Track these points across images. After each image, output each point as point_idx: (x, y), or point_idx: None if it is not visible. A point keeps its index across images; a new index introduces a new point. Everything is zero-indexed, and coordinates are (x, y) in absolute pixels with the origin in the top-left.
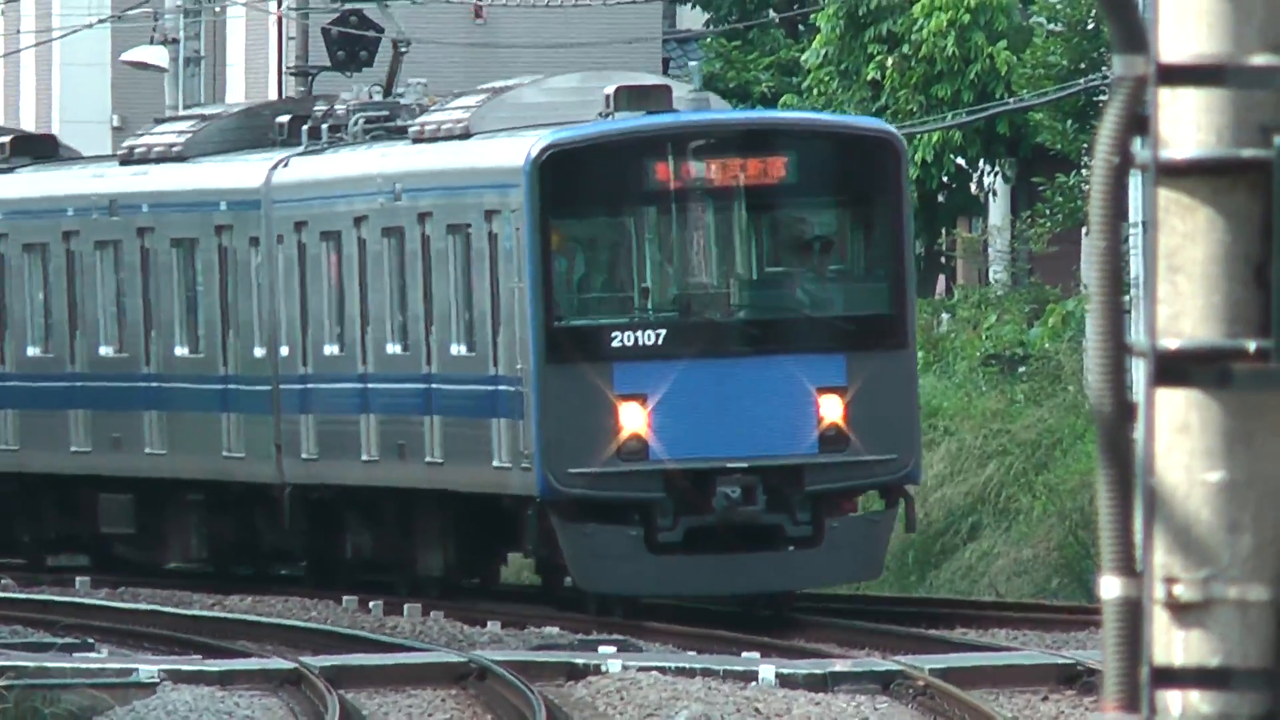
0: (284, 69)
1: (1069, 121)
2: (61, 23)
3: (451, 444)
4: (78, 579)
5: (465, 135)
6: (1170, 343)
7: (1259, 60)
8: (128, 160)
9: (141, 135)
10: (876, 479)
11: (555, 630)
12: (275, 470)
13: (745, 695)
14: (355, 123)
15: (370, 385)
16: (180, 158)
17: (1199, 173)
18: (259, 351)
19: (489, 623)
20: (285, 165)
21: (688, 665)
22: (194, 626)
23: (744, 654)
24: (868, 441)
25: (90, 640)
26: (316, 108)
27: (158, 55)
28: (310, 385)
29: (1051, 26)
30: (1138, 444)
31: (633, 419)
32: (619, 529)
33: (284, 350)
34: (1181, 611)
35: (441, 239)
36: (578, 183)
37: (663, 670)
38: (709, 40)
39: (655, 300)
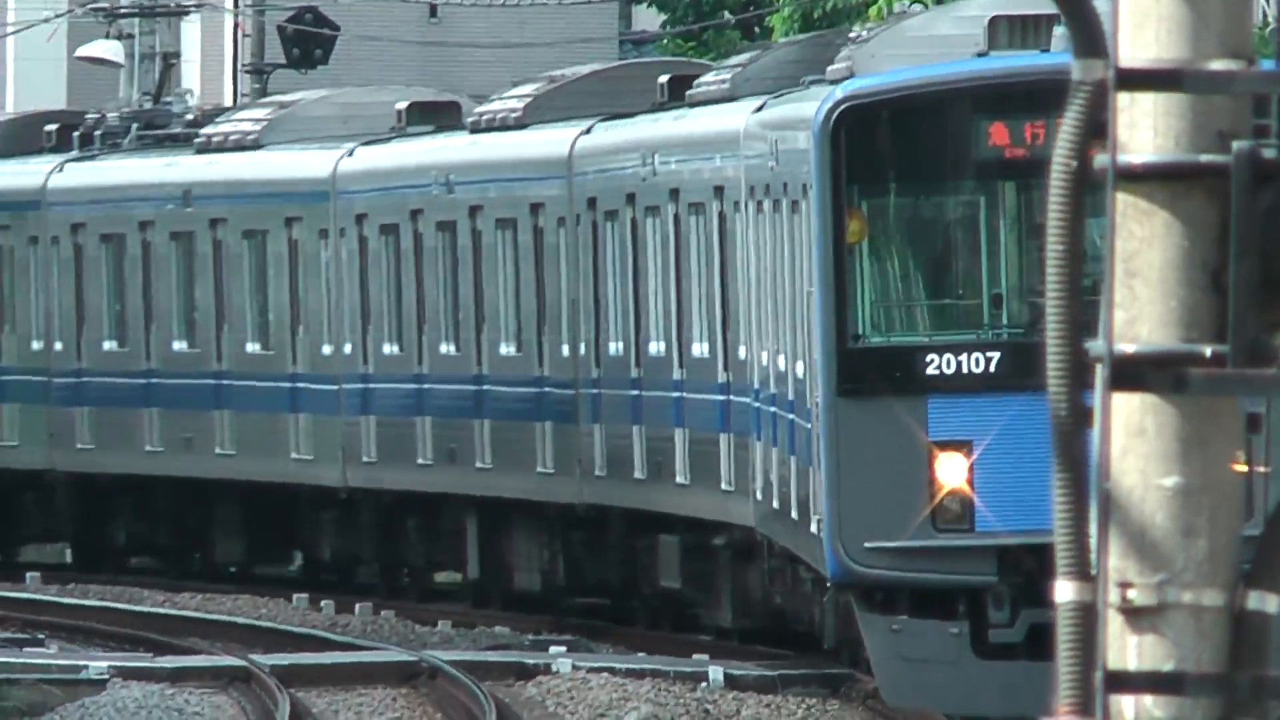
0: (239, 66)
1: None
2: (16, 17)
3: (780, 489)
4: (28, 575)
5: (847, 76)
6: (1126, 347)
7: (1217, 65)
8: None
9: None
10: None
11: (506, 630)
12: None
13: (695, 696)
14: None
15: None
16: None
17: (1157, 177)
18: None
19: (440, 622)
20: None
21: (638, 666)
22: (144, 623)
23: (694, 655)
24: None
25: (40, 636)
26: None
27: (113, 51)
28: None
29: None
30: (1093, 448)
31: (953, 474)
32: (937, 624)
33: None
34: (1135, 616)
35: (770, 217)
36: (886, 150)
37: (613, 671)
38: (665, 41)
39: (989, 312)
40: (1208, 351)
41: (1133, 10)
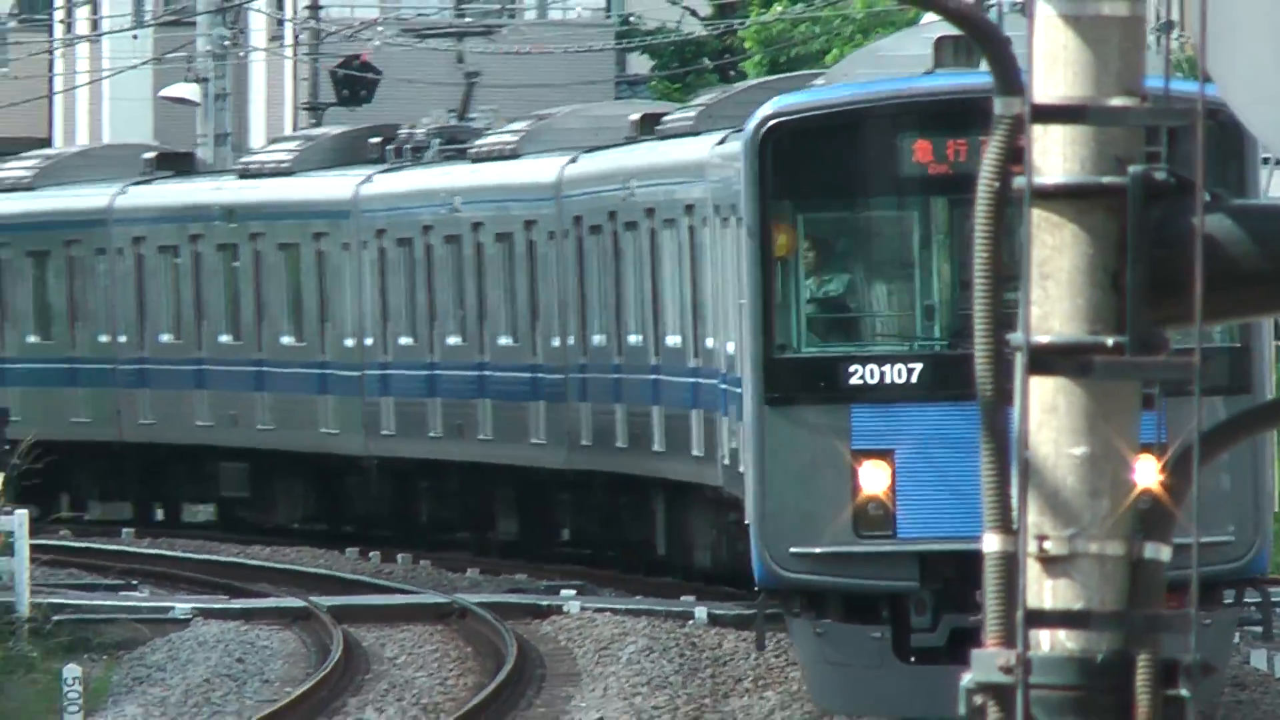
0: (298, 104)
1: None
2: (111, 64)
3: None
4: (124, 530)
5: None
6: (1041, 338)
7: (1115, 102)
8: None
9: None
10: (1205, 568)
11: (524, 577)
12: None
13: (684, 631)
14: None
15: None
16: None
17: (1066, 196)
18: None
19: (469, 570)
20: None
21: (635, 606)
22: (221, 571)
23: (682, 597)
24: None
25: (134, 582)
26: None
27: (191, 92)
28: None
29: None
30: (1014, 423)
31: (875, 481)
32: (860, 629)
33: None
34: (1050, 564)
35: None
36: (811, 165)
37: (614, 611)
38: (654, 83)
39: (917, 324)
40: (1109, 342)
41: (1045, 55)
